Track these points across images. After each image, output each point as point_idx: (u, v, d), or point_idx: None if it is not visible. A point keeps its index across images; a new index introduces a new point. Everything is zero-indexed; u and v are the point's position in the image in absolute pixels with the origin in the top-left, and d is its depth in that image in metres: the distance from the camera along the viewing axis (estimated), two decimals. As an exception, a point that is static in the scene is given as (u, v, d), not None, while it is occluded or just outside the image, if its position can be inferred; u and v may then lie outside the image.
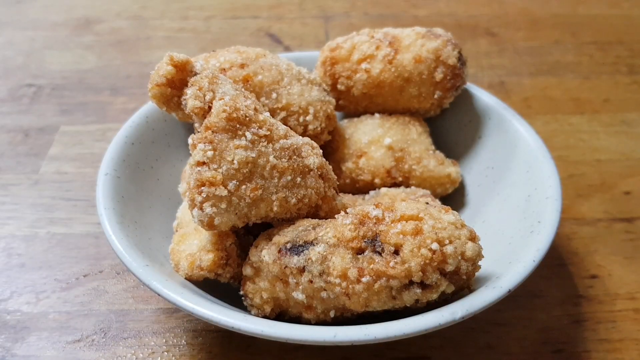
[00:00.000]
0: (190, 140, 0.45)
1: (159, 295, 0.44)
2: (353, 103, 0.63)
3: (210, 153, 0.43)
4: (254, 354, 0.52)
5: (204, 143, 0.43)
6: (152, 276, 0.45)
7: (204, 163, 0.43)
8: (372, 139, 0.59)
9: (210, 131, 0.44)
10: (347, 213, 0.44)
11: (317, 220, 0.46)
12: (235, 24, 1.03)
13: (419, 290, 0.41)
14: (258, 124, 0.45)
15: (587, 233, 0.64)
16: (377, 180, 0.58)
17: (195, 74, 0.47)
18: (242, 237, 0.50)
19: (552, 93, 0.85)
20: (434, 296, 0.41)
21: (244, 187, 0.44)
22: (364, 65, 0.60)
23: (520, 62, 0.90)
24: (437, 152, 0.61)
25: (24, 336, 0.53)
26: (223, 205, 0.43)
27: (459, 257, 0.41)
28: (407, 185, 0.58)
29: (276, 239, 0.45)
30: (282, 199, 0.45)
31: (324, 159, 0.49)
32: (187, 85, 0.46)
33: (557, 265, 0.61)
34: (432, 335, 0.53)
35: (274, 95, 0.55)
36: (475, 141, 0.64)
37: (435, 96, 0.60)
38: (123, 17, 1.04)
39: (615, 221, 0.66)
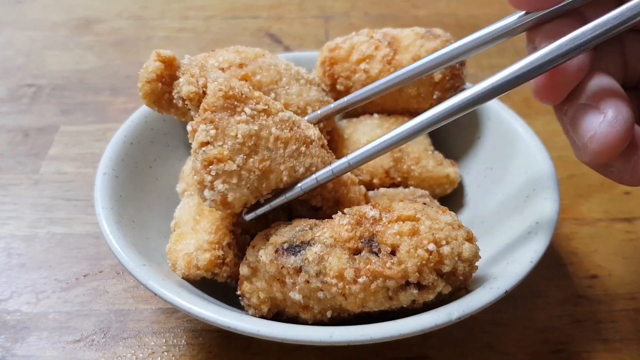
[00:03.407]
0: (189, 127, 0.45)
1: (155, 294, 0.44)
2: (352, 103, 0.62)
3: (212, 132, 0.43)
4: (253, 354, 0.52)
5: (205, 124, 0.43)
6: (149, 276, 0.45)
7: (207, 143, 0.43)
8: (371, 139, 0.59)
9: (209, 112, 0.43)
10: (344, 213, 0.44)
11: (314, 220, 0.46)
12: (235, 24, 1.03)
13: (415, 291, 0.41)
14: (255, 100, 0.46)
15: (587, 233, 0.64)
16: (375, 181, 0.58)
17: (182, 69, 0.47)
18: (239, 237, 0.50)
19: (553, 93, 0.85)
20: (431, 297, 0.42)
21: (251, 160, 0.44)
22: (363, 66, 0.60)
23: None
24: (436, 152, 0.61)
25: (24, 336, 0.54)
26: (234, 180, 0.43)
27: (456, 258, 0.41)
28: (406, 186, 0.58)
29: (273, 239, 0.45)
30: (290, 168, 0.45)
31: (321, 134, 0.49)
32: (175, 79, 0.46)
33: (557, 265, 0.61)
34: (432, 335, 0.53)
35: (273, 95, 0.55)
36: (474, 142, 0.64)
37: (434, 96, 0.60)
38: (123, 17, 1.04)
39: (615, 221, 0.66)
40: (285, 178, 0.45)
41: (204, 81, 0.45)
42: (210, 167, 0.43)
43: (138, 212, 0.54)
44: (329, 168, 0.46)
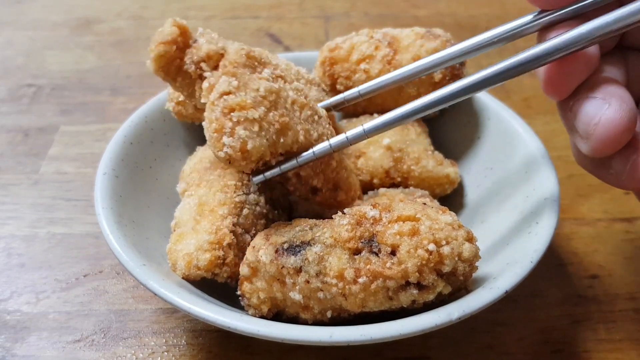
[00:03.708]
0: (205, 84, 0.44)
1: (155, 294, 0.44)
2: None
3: (235, 83, 0.43)
4: (253, 354, 0.52)
5: (228, 76, 0.44)
6: (149, 276, 0.45)
7: (229, 92, 0.43)
8: (371, 139, 0.59)
9: (231, 67, 0.44)
10: (344, 213, 0.44)
11: (314, 220, 0.46)
12: (235, 24, 1.03)
13: (415, 291, 0.41)
14: (273, 66, 0.47)
15: (587, 233, 0.64)
16: (375, 181, 0.58)
17: (195, 39, 0.47)
18: (239, 237, 0.50)
19: (553, 93, 0.85)
20: (431, 297, 0.42)
21: (271, 113, 0.44)
22: (362, 66, 0.60)
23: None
24: (436, 152, 0.61)
25: (24, 336, 0.54)
26: (255, 128, 0.43)
27: (456, 258, 0.41)
28: (406, 186, 0.58)
29: (273, 239, 0.45)
30: (306, 130, 0.46)
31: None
32: (188, 47, 0.46)
33: (557, 265, 0.61)
34: (432, 335, 0.52)
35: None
36: (474, 142, 0.64)
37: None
38: (123, 17, 1.04)
39: (615, 221, 0.66)
40: (301, 138, 0.46)
41: (223, 44, 0.46)
42: (232, 114, 0.42)
43: (138, 212, 0.54)
44: (343, 135, 0.46)
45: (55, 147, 0.76)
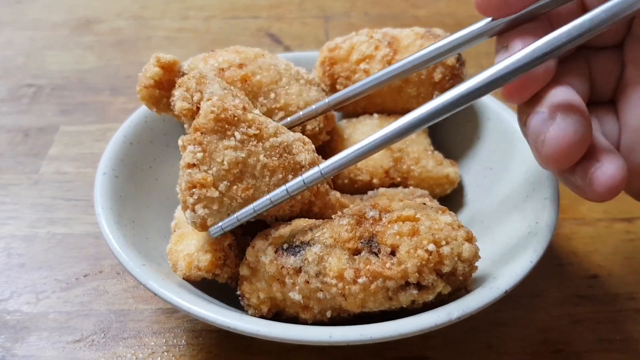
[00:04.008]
0: (180, 142, 0.45)
1: (155, 294, 0.44)
2: (352, 103, 0.63)
3: (200, 155, 0.43)
4: (253, 354, 0.52)
5: (193, 145, 0.44)
6: (149, 276, 0.45)
7: (194, 165, 0.43)
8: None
9: (199, 132, 0.44)
10: (343, 213, 0.44)
11: (314, 220, 0.46)
12: (235, 24, 1.03)
13: (415, 291, 0.41)
14: (247, 123, 0.45)
15: (587, 233, 0.64)
16: (375, 181, 0.58)
17: (183, 74, 0.47)
18: (239, 238, 0.50)
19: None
20: (430, 297, 0.42)
21: (235, 187, 0.44)
22: (362, 66, 0.60)
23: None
24: (436, 152, 0.61)
25: (24, 336, 0.54)
26: (215, 207, 0.44)
27: (456, 258, 0.41)
28: (406, 186, 0.58)
29: (273, 239, 0.45)
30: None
31: (316, 155, 0.48)
32: (175, 86, 0.46)
33: (557, 265, 0.61)
34: (432, 335, 0.53)
35: (272, 95, 0.55)
36: (474, 142, 0.64)
37: (434, 96, 0.60)
38: (123, 17, 1.04)
39: (615, 221, 0.66)
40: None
41: (199, 97, 0.45)
42: (194, 190, 0.43)
43: (138, 212, 0.54)
44: (299, 178, 0.43)
45: (55, 147, 0.76)
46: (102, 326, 0.54)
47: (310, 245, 0.43)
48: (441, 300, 0.43)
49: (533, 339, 0.54)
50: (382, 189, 0.57)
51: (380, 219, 0.43)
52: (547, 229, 0.48)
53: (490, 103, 0.63)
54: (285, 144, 0.46)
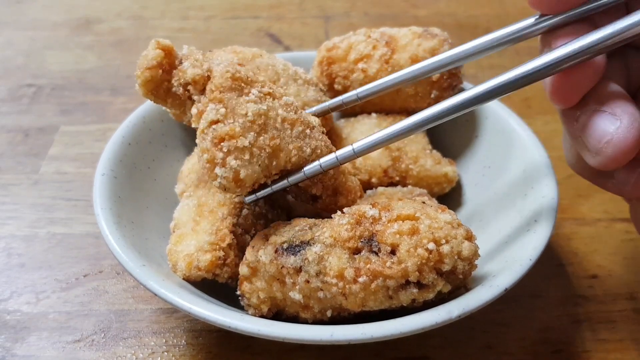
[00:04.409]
0: (194, 110, 0.45)
1: (156, 295, 0.44)
2: (350, 103, 0.63)
3: (222, 110, 0.43)
4: (253, 354, 0.52)
5: (214, 103, 0.43)
6: (149, 276, 0.45)
7: (218, 121, 0.43)
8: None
9: (217, 91, 0.44)
10: (343, 213, 0.44)
11: (313, 220, 0.46)
12: (235, 24, 1.03)
13: (415, 290, 0.41)
14: (260, 84, 0.46)
15: (587, 233, 0.64)
16: (374, 180, 0.58)
17: (181, 58, 0.47)
18: (239, 238, 0.50)
19: (553, 93, 0.85)
20: (431, 296, 0.42)
21: (262, 137, 0.44)
22: (360, 65, 0.60)
23: (521, 62, 0.89)
24: (434, 151, 0.61)
25: (24, 336, 0.54)
26: (246, 157, 0.43)
27: (456, 257, 0.41)
28: (404, 185, 0.58)
29: (273, 239, 0.45)
30: (298, 148, 0.46)
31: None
32: (175, 68, 0.46)
33: (557, 265, 0.61)
34: (432, 335, 0.53)
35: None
36: (472, 140, 0.64)
37: (432, 95, 0.60)
38: (123, 17, 1.04)
39: (615, 221, 0.66)
40: (293, 158, 0.45)
41: (208, 65, 0.45)
42: (222, 144, 0.42)
43: (137, 213, 0.54)
44: (333, 155, 0.46)
45: (55, 147, 0.76)
46: (102, 326, 0.54)
47: (311, 245, 0.43)
48: (441, 299, 0.43)
49: (533, 339, 0.54)
50: (380, 188, 0.57)
51: (380, 218, 0.43)
52: (546, 227, 0.48)
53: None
54: (296, 104, 0.48)
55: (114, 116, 0.81)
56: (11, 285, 0.59)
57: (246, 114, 0.43)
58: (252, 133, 0.43)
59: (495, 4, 1.06)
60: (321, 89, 0.60)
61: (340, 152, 0.46)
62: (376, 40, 0.61)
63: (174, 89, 0.46)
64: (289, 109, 0.46)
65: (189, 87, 0.46)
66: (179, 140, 0.64)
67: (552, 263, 0.61)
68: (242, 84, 0.45)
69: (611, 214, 0.66)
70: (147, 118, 0.61)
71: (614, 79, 0.41)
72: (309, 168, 0.46)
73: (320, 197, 0.49)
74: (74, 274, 0.60)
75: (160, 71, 0.46)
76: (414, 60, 0.58)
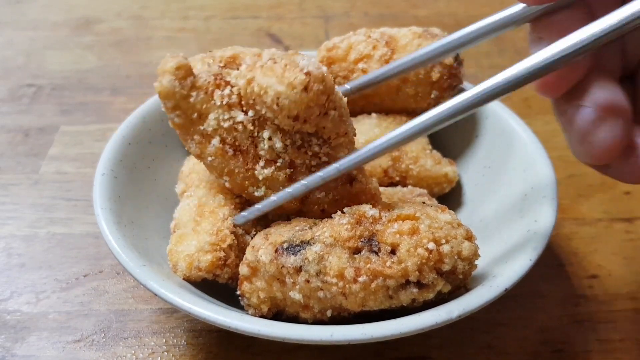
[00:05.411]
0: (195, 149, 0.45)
1: (156, 295, 0.44)
2: (350, 103, 0.63)
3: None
4: (254, 354, 0.52)
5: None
6: (149, 276, 0.45)
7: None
8: (369, 138, 0.59)
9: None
10: (343, 213, 0.44)
11: (313, 219, 0.46)
12: (235, 24, 1.03)
13: (415, 290, 0.41)
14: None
15: (587, 233, 0.64)
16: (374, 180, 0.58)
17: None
18: (240, 238, 0.50)
19: (553, 93, 0.85)
20: (431, 296, 0.42)
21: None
22: (360, 65, 0.60)
23: (521, 61, 0.89)
24: (434, 151, 0.61)
25: (24, 336, 0.54)
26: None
27: (456, 257, 0.41)
28: (404, 185, 0.58)
29: (273, 238, 0.45)
30: None
31: None
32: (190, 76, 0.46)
33: (557, 265, 0.61)
34: (433, 335, 0.53)
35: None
36: (472, 140, 0.64)
37: (432, 96, 0.60)
38: (123, 17, 1.04)
39: (615, 221, 0.66)
40: None
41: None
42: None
43: (137, 213, 0.54)
44: (335, 165, 0.44)
45: (55, 147, 0.76)
46: (102, 326, 0.54)
47: (311, 245, 0.43)
48: (441, 299, 0.43)
49: (533, 339, 0.54)
50: (380, 188, 0.57)
51: (380, 218, 0.43)
52: (546, 227, 0.48)
53: (488, 102, 0.63)
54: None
55: (114, 116, 0.81)
56: (11, 285, 0.59)
57: None
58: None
59: (495, 4, 1.06)
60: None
61: (325, 171, 0.44)
62: (376, 40, 0.61)
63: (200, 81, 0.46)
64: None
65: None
66: (179, 140, 0.63)
67: (552, 263, 0.61)
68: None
69: (611, 214, 0.66)
70: (147, 118, 0.61)
71: (608, 56, 0.40)
72: (295, 188, 0.45)
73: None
74: (74, 274, 0.60)
75: (183, 71, 0.46)
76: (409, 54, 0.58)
